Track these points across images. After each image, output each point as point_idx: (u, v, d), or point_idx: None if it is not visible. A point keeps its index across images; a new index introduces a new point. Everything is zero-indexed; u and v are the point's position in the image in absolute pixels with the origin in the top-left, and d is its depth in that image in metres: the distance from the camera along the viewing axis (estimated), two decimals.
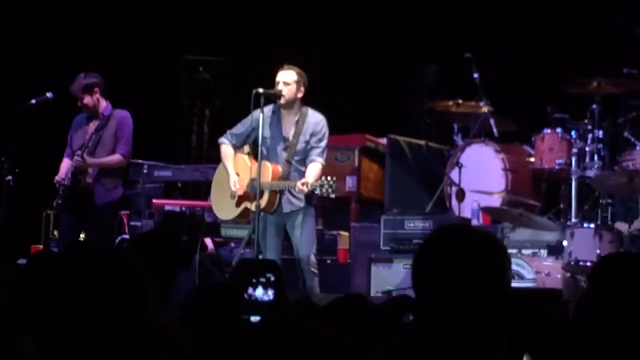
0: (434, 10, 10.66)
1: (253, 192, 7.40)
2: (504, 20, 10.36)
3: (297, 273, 7.42)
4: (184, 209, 8.97)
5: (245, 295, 5.91)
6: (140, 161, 9.65)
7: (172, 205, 9.07)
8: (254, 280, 6.02)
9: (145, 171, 9.60)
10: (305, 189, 7.15)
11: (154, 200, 9.20)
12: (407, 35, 10.75)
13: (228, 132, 7.78)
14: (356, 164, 9.96)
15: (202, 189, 9.49)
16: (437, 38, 10.49)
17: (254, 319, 4.12)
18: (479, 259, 2.33)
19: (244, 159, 7.73)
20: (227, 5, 11.32)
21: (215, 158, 8.29)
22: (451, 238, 2.38)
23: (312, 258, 7.47)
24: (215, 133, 9.57)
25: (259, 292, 6.08)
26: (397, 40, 10.79)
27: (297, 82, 7.52)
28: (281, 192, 7.46)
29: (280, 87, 7.49)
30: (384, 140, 10.11)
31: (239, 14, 11.32)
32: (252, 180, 7.49)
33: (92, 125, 8.02)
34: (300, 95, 7.54)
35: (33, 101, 8.12)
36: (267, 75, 7.64)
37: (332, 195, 7.10)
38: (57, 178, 7.93)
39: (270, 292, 6.06)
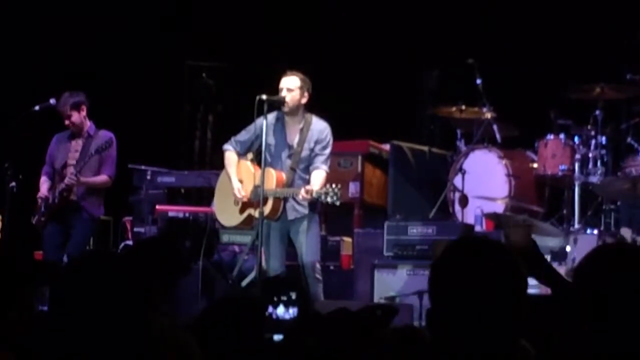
0: (437, 16, 10.65)
1: (257, 198, 7.38)
2: (507, 26, 10.35)
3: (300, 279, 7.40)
4: (187, 214, 8.95)
5: (266, 314, 5.85)
6: (143, 167, 9.66)
7: (175, 211, 9.05)
8: (275, 299, 5.94)
9: (148, 177, 9.59)
10: (309, 196, 7.12)
11: (157, 206, 9.18)
12: (410, 41, 10.74)
13: (233, 138, 7.75)
14: (359, 170, 9.95)
15: (205, 195, 9.47)
16: (439, 44, 10.49)
17: (277, 337, 4.06)
18: (496, 274, 2.38)
19: (248, 165, 7.71)
20: (230, 10, 11.32)
21: (218, 164, 8.28)
22: (466, 253, 2.38)
23: (317, 265, 7.45)
24: (218, 139, 9.56)
25: (280, 311, 5.99)
26: (399, 46, 10.78)
27: (301, 88, 7.50)
28: (285, 199, 7.44)
29: (283, 93, 7.46)
30: (387, 146, 10.09)
31: (241, 19, 11.32)
32: (255, 187, 7.47)
33: (75, 144, 8.14)
34: (304, 101, 7.52)
35: (36, 107, 8.15)
36: (271, 81, 7.63)
37: (337, 203, 7.08)
38: (40, 195, 8.05)
39: (292, 311, 5.96)
